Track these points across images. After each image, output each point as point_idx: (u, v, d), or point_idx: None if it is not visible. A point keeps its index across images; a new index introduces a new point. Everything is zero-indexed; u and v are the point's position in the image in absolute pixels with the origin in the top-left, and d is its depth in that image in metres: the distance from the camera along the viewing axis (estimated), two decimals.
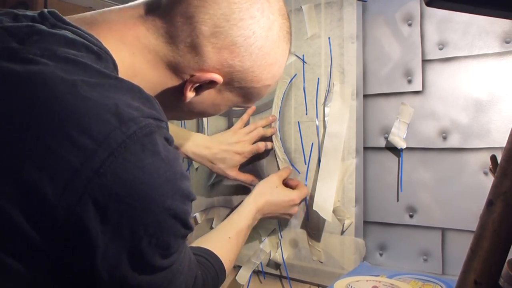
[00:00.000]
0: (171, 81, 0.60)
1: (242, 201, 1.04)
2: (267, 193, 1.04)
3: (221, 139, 1.14)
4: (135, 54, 0.56)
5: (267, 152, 1.30)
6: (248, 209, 0.99)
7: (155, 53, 0.57)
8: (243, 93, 0.65)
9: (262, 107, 1.36)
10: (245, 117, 1.21)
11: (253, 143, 1.18)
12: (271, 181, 1.08)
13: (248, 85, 0.63)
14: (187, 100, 0.62)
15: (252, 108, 1.21)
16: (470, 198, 1.03)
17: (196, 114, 0.69)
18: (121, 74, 0.53)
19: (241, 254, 1.40)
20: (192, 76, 0.59)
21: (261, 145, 1.15)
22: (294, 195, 1.10)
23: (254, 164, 1.37)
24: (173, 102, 0.63)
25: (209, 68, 0.59)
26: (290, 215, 1.13)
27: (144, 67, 0.57)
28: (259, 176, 1.36)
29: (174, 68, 0.59)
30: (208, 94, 0.63)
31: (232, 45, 0.57)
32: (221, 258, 0.80)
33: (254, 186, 1.11)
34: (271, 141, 1.27)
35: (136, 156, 0.42)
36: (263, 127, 1.21)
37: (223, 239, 0.90)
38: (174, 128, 1.12)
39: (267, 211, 1.05)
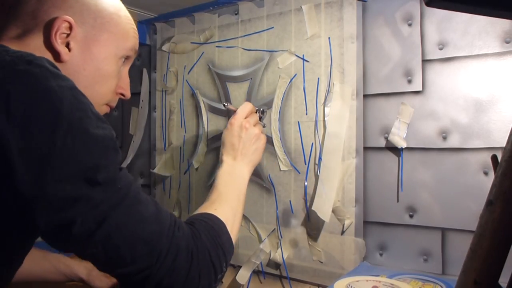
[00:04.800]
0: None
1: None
2: (229, 139, 0.95)
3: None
4: None
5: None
6: (228, 166, 0.92)
7: None
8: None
9: (262, 107, 1.35)
10: None
11: None
12: (229, 128, 0.97)
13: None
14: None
15: None
16: (470, 198, 1.03)
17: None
18: None
19: (241, 254, 1.40)
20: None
21: None
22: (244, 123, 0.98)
23: None
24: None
25: None
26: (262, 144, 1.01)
27: None
28: (260, 176, 1.36)
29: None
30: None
31: None
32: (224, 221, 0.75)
33: None
34: None
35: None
36: None
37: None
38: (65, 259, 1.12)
39: (241, 154, 0.95)
